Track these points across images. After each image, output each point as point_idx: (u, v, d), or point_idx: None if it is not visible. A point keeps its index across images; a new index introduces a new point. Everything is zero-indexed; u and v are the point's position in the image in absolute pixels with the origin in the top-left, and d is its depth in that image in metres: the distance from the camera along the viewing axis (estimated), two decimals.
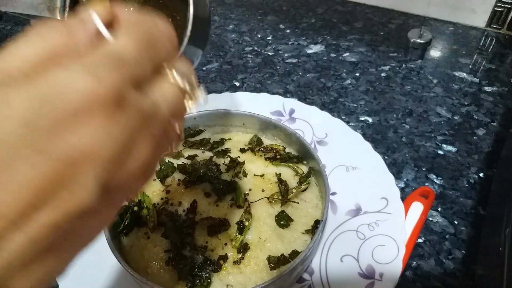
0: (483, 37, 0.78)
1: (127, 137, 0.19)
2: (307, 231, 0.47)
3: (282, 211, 0.48)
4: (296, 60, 0.75)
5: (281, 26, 0.83)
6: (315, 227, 0.46)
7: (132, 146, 0.19)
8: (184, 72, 0.23)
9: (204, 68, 0.75)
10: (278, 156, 0.54)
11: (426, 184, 0.55)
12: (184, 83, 0.23)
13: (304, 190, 0.50)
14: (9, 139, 0.16)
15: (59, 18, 0.38)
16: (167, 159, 0.54)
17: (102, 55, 0.19)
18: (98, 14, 0.20)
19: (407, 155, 0.59)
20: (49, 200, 0.17)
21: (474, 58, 0.74)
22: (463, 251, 0.48)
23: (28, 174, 0.17)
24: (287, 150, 0.55)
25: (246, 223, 0.46)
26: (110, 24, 0.21)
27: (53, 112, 0.17)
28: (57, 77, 0.17)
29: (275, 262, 0.44)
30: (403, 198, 0.51)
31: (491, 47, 0.76)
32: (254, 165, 0.53)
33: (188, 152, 0.56)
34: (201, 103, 0.24)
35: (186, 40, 0.36)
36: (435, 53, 0.75)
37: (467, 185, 0.55)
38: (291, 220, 0.47)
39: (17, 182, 0.16)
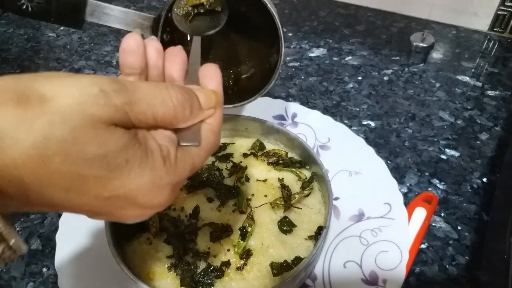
0: (486, 41, 0.78)
1: None
2: (310, 237, 0.46)
3: (285, 217, 0.48)
4: (298, 63, 0.75)
5: (283, 29, 0.83)
6: (318, 233, 0.46)
7: None
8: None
9: None
10: (281, 161, 0.54)
11: (429, 189, 0.55)
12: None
13: (307, 195, 0.50)
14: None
15: (150, 36, 0.42)
16: None
17: (188, 171, 0.28)
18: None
19: (410, 159, 0.58)
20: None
21: (476, 62, 0.74)
22: (466, 257, 0.48)
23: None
24: (289, 155, 0.55)
25: (249, 229, 0.46)
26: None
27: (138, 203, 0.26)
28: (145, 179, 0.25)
29: (278, 268, 0.44)
30: (406, 203, 0.51)
31: (493, 51, 0.76)
32: (257, 170, 0.53)
33: None
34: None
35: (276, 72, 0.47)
36: (437, 56, 0.75)
37: (470, 190, 0.55)
38: (294, 226, 0.47)
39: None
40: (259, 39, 0.52)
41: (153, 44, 0.33)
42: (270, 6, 0.43)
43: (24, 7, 0.42)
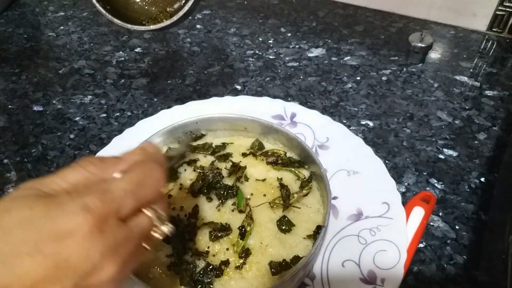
0: (484, 41, 0.78)
1: (100, 257, 0.26)
2: (308, 236, 0.47)
3: (284, 216, 0.48)
4: (297, 63, 0.75)
5: (282, 29, 0.83)
6: (317, 233, 0.46)
7: (102, 265, 0.26)
8: (160, 213, 0.31)
9: (205, 72, 0.75)
10: (280, 161, 0.54)
11: (427, 188, 0.55)
12: (157, 222, 0.31)
13: (306, 195, 0.50)
14: (21, 235, 0.24)
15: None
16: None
17: (102, 190, 0.27)
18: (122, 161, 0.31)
19: (408, 159, 0.59)
20: None
21: (475, 62, 0.74)
22: (464, 256, 0.48)
23: (28, 265, 0.24)
24: (288, 154, 0.55)
25: (248, 228, 0.47)
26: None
27: (54, 226, 0.25)
28: (69, 202, 0.26)
29: (277, 267, 0.44)
30: (404, 203, 0.51)
31: (492, 51, 0.76)
32: (256, 169, 0.53)
33: (189, 157, 0.56)
34: (169, 234, 0.32)
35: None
36: (436, 56, 0.75)
37: (468, 190, 0.55)
38: (293, 225, 0.47)
39: (22, 269, 0.24)
40: None
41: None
42: None
43: None
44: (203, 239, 0.46)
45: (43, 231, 0.25)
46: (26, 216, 0.25)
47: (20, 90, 0.73)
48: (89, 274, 0.26)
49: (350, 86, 0.70)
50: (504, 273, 0.39)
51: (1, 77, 0.76)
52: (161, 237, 0.32)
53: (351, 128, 0.63)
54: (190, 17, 0.68)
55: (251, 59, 0.77)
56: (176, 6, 0.61)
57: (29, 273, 0.24)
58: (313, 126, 0.60)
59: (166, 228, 0.32)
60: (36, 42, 0.84)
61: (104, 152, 0.58)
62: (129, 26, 0.54)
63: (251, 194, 0.51)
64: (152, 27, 0.55)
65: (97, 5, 0.54)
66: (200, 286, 0.43)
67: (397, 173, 0.57)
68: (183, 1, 0.59)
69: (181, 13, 0.53)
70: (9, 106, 0.70)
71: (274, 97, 0.67)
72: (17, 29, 0.87)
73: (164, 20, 0.55)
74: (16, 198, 0.26)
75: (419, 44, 0.72)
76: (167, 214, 0.32)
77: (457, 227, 0.51)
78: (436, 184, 0.56)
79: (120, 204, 0.28)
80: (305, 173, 0.53)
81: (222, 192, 0.50)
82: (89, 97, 0.71)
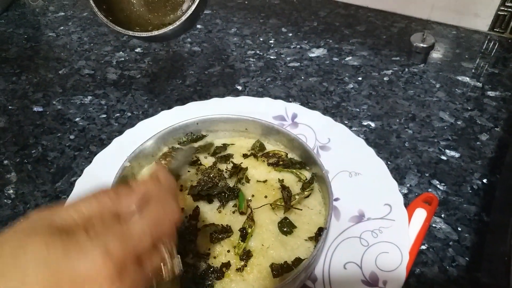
0: (486, 41, 0.78)
1: None
2: (310, 238, 0.46)
3: (285, 218, 0.48)
4: (299, 64, 0.75)
5: (283, 29, 0.83)
6: (319, 235, 0.46)
7: None
8: (171, 247, 0.31)
9: (206, 72, 0.75)
10: (281, 162, 0.54)
11: (429, 190, 0.55)
12: (168, 258, 0.31)
13: (307, 196, 0.50)
14: (38, 277, 0.23)
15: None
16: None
17: (121, 232, 0.27)
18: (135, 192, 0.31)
19: (410, 160, 0.58)
20: None
21: (477, 62, 0.74)
22: (466, 258, 0.48)
23: None
24: (289, 155, 0.55)
25: (249, 230, 0.46)
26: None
27: (73, 270, 0.24)
28: (88, 244, 0.25)
29: (278, 269, 0.44)
30: (406, 204, 0.51)
31: (494, 51, 0.76)
32: (257, 170, 0.53)
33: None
34: (176, 274, 0.32)
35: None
36: (437, 57, 0.75)
37: (470, 191, 0.55)
38: (294, 227, 0.47)
39: None
40: None
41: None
42: None
43: None
44: (204, 241, 0.46)
45: (62, 274, 0.24)
46: (43, 256, 0.24)
47: (20, 91, 0.73)
48: None
49: (352, 86, 0.70)
50: (506, 275, 0.38)
51: (1, 78, 0.76)
52: (167, 278, 0.31)
53: (353, 129, 0.62)
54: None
55: (252, 59, 0.77)
56: (172, 16, 0.61)
57: None
58: (314, 127, 0.60)
59: (176, 269, 0.32)
60: (36, 42, 0.83)
61: (104, 153, 0.58)
62: (130, 33, 0.54)
63: (252, 196, 0.50)
64: (155, 32, 0.54)
65: (99, 14, 0.54)
66: None
67: (399, 175, 0.56)
68: (182, 11, 0.60)
69: (178, 23, 0.53)
70: (9, 107, 0.70)
71: (275, 97, 0.67)
72: (17, 30, 0.86)
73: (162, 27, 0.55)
74: (30, 232, 0.25)
75: (421, 45, 0.72)
76: (176, 245, 0.32)
77: (459, 229, 0.51)
78: (438, 186, 0.55)
79: (138, 245, 0.28)
80: (306, 174, 0.53)
81: (223, 194, 0.49)
82: (89, 97, 0.71)
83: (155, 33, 0.54)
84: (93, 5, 0.53)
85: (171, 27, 0.53)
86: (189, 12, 0.52)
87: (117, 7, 0.59)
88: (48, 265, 0.24)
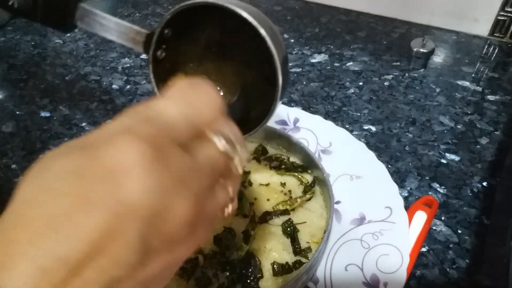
0: (486, 46, 0.79)
1: (166, 193, 0.20)
2: (312, 241, 0.47)
3: (287, 220, 0.49)
4: (300, 69, 0.76)
5: (285, 35, 0.84)
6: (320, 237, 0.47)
7: (172, 203, 0.20)
8: (228, 136, 0.24)
9: None
10: (283, 166, 0.55)
11: (430, 193, 0.56)
12: (227, 147, 0.24)
13: (309, 199, 0.51)
14: (67, 191, 0.19)
15: (140, 50, 0.40)
16: None
17: (147, 116, 0.21)
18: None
19: (410, 164, 0.59)
20: (101, 250, 0.18)
21: (477, 67, 0.75)
22: (467, 260, 0.49)
23: (84, 226, 0.18)
24: (291, 159, 0.56)
25: (252, 233, 0.47)
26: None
27: (102, 167, 0.19)
28: (113, 136, 0.20)
29: (279, 268, 0.44)
30: (406, 207, 0.52)
31: (494, 56, 0.77)
32: (260, 174, 0.54)
33: None
34: (245, 164, 0.25)
35: (278, 97, 0.38)
36: (438, 62, 0.76)
37: (470, 194, 0.55)
38: (296, 229, 0.48)
39: (78, 232, 0.18)
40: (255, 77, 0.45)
41: None
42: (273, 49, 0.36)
43: (10, 3, 0.40)
44: (207, 244, 0.47)
45: (90, 177, 0.19)
46: (68, 168, 0.19)
47: (27, 97, 0.74)
48: (157, 218, 0.19)
49: (353, 91, 0.71)
50: (505, 277, 0.39)
51: (9, 84, 0.77)
52: (240, 167, 0.25)
53: (354, 133, 0.63)
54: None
55: None
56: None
57: (87, 236, 0.18)
58: (316, 131, 0.61)
59: (244, 155, 0.25)
60: (43, 49, 0.85)
61: None
62: None
63: (255, 199, 0.51)
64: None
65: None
66: None
67: (399, 178, 0.57)
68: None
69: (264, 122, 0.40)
70: (17, 112, 0.71)
71: None
72: (25, 36, 0.88)
73: None
74: (53, 156, 0.20)
75: (421, 50, 0.73)
76: (238, 138, 0.25)
77: (459, 231, 0.51)
78: (438, 189, 0.56)
79: (173, 127, 0.22)
80: (308, 177, 0.54)
81: None
82: (95, 103, 0.72)
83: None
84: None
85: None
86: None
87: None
88: (75, 175, 0.19)
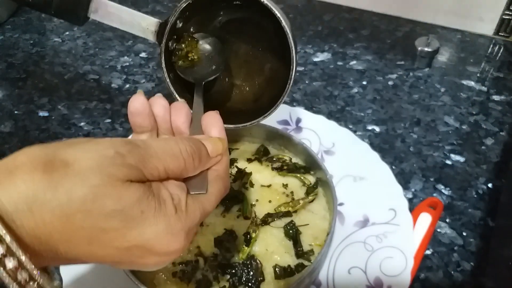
0: (491, 45, 0.78)
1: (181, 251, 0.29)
2: (314, 243, 0.46)
3: (290, 223, 0.48)
4: (303, 68, 0.75)
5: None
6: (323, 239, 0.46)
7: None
8: None
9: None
10: (285, 167, 0.54)
11: (434, 194, 0.55)
12: None
13: (312, 201, 0.50)
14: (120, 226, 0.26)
15: (152, 39, 0.42)
16: None
17: (198, 218, 0.30)
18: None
19: (415, 165, 0.58)
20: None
21: (482, 67, 0.74)
22: (471, 263, 0.48)
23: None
24: (294, 160, 0.55)
25: (253, 235, 0.46)
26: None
27: (156, 238, 0.27)
28: (179, 230, 0.28)
29: (281, 271, 0.44)
30: (411, 209, 0.51)
31: (499, 55, 0.76)
32: (261, 175, 0.53)
33: None
34: None
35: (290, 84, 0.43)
36: (442, 61, 0.75)
37: (475, 196, 0.54)
38: (299, 231, 0.47)
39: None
40: (268, 58, 0.49)
41: (159, 102, 0.37)
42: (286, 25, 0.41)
43: None
44: (208, 246, 0.46)
45: (143, 241, 0.26)
46: (134, 217, 0.25)
47: (25, 96, 0.73)
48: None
49: (356, 91, 0.70)
50: (510, 279, 0.38)
51: (7, 83, 0.77)
52: None
53: (357, 133, 0.62)
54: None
55: None
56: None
57: (105, 257, 0.26)
58: (318, 132, 0.60)
59: None
60: (42, 47, 0.84)
61: None
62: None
63: (257, 200, 0.50)
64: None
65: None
66: None
67: (403, 179, 0.56)
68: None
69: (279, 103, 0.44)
70: (15, 112, 0.70)
71: None
72: (23, 35, 0.87)
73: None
74: (125, 181, 0.25)
75: (426, 49, 0.72)
76: None
77: (464, 234, 0.51)
78: (443, 190, 0.55)
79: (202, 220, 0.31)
80: (310, 179, 0.53)
81: (228, 198, 0.50)
82: (94, 102, 0.71)
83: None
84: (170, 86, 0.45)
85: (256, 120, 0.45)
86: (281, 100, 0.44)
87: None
88: (136, 227, 0.25)
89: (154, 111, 0.36)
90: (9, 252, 0.21)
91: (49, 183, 0.23)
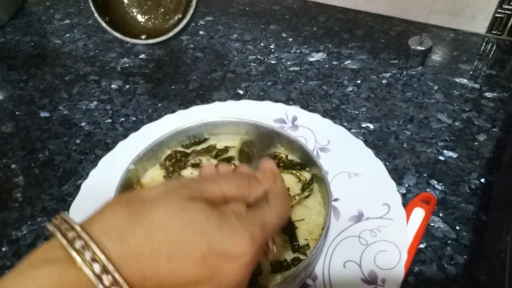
0: (484, 43, 0.79)
1: (244, 282, 0.31)
2: (310, 238, 0.47)
3: None
4: (299, 68, 0.76)
5: (284, 34, 0.85)
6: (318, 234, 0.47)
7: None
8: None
9: (208, 77, 0.76)
10: (281, 164, 0.55)
11: (428, 190, 0.56)
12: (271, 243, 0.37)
13: (307, 197, 0.51)
14: (193, 241, 0.28)
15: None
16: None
17: (262, 224, 0.32)
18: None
19: (408, 161, 0.59)
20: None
21: (474, 64, 0.75)
22: (464, 256, 0.49)
23: (189, 268, 0.28)
24: (290, 157, 0.56)
25: None
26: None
27: (225, 246, 0.29)
28: (239, 227, 0.30)
29: (278, 265, 0.45)
30: (404, 204, 0.52)
31: (491, 53, 0.77)
32: None
33: (192, 160, 0.57)
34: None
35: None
36: (435, 59, 0.76)
37: (468, 191, 0.55)
38: (295, 226, 0.48)
39: (183, 268, 0.28)
40: None
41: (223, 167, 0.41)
42: None
43: None
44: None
45: (213, 244, 0.28)
46: (201, 223, 0.29)
47: (27, 97, 0.75)
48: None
49: (351, 89, 0.71)
50: (501, 272, 0.39)
51: (8, 84, 0.78)
52: (271, 258, 0.40)
53: (352, 130, 0.64)
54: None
55: (253, 64, 0.78)
56: (171, 22, 0.80)
57: (186, 274, 0.28)
58: (314, 129, 0.61)
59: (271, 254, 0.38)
60: (42, 49, 0.85)
61: (109, 156, 0.59)
62: (127, 39, 0.64)
63: None
64: (150, 41, 0.74)
65: (101, 22, 0.73)
66: None
67: (397, 175, 0.57)
68: (179, 17, 0.79)
69: (176, 30, 0.73)
70: (17, 113, 0.72)
71: (276, 101, 0.68)
72: (24, 37, 0.88)
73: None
74: (189, 198, 0.30)
75: (419, 48, 0.73)
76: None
77: (457, 228, 0.52)
78: (436, 185, 0.56)
79: (270, 235, 0.35)
80: (306, 175, 0.54)
81: None
82: (95, 103, 0.73)
83: (150, 41, 0.76)
84: (96, 15, 0.67)
85: (163, 37, 0.75)
86: (180, 26, 0.72)
87: (113, 10, 0.79)
88: (204, 233, 0.28)
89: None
90: (106, 270, 0.26)
91: (131, 214, 0.28)
